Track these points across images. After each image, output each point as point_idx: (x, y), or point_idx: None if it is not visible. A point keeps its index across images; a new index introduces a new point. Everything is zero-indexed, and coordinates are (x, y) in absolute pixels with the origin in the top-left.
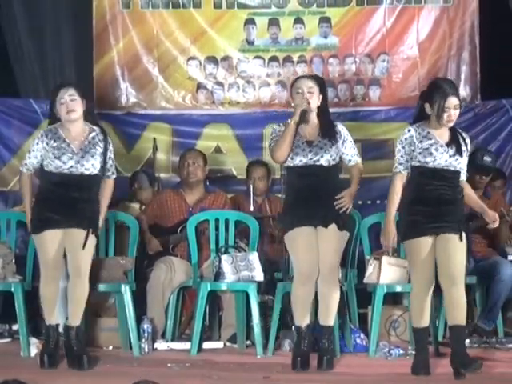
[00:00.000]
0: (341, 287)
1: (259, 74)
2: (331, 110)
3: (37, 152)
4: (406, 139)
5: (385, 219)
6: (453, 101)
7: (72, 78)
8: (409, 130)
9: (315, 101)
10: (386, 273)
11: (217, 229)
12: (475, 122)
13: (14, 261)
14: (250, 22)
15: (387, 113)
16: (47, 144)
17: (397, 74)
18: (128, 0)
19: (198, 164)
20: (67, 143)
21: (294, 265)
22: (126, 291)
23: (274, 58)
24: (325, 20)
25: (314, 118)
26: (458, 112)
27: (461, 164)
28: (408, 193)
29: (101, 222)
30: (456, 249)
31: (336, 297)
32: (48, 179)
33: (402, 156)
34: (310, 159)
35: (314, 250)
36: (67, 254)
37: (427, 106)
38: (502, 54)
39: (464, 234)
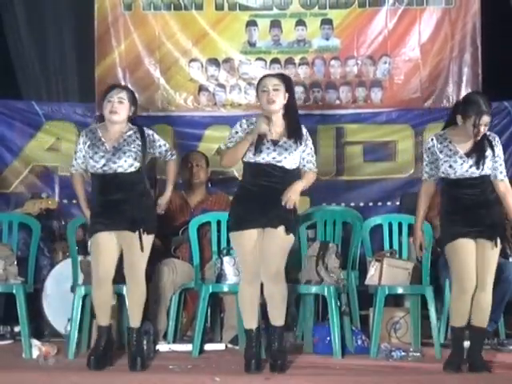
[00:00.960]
0: (342, 288)
1: (261, 75)
2: (333, 111)
3: (79, 152)
4: (428, 148)
5: (414, 224)
6: (486, 119)
7: (74, 80)
8: (431, 140)
9: (281, 99)
10: (387, 274)
11: (219, 230)
12: None
13: (15, 262)
14: (251, 23)
15: (389, 115)
16: (85, 143)
17: (398, 75)
18: (130, 2)
19: (201, 166)
20: (102, 142)
21: (241, 264)
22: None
23: (275, 60)
24: (326, 22)
25: (280, 117)
26: (487, 128)
27: (485, 170)
28: (443, 204)
29: (165, 199)
30: (490, 256)
31: (285, 295)
32: (93, 186)
33: (426, 165)
34: (273, 158)
35: (259, 251)
36: (124, 257)
37: (459, 118)
38: (504, 56)
39: (499, 239)
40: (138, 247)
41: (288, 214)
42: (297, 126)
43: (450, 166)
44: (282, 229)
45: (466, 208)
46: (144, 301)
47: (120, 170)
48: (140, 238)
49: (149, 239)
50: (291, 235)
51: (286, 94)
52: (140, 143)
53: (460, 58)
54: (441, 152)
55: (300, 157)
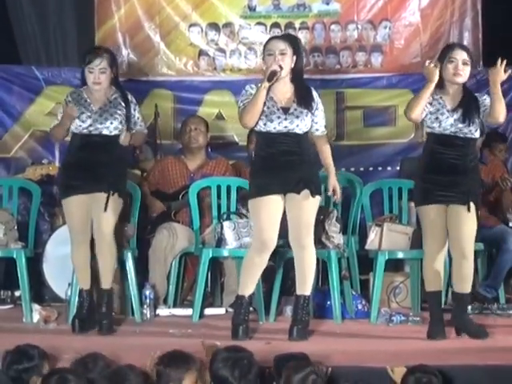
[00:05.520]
0: (342, 253)
1: (261, 40)
2: (333, 76)
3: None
4: None
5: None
6: (460, 53)
7: (74, 45)
8: None
9: (288, 63)
10: (387, 239)
11: (219, 195)
12: (477, 88)
13: (16, 227)
14: None
15: (389, 79)
16: (70, 103)
17: (399, 40)
18: None
19: (200, 130)
20: (88, 103)
21: (255, 232)
22: (128, 257)
23: (275, 25)
24: None
25: (287, 82)
26: (466, 68)
27: (472, 130)
28: (423, 160)
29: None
30: (465, 221)
31: (314, 264)
32: (73, 143)
33: None
34: (285, 127)
35: (278, 219)
36: (92, 219)
37: (439, 66)
38: (505, 21)
39: (473, 205)
40: (109, 207)
41: (311, 175)
42: (306, 90)
43: (436, 119)
44: (306, 193)
45: (444, 170)
46: (113, 262)
47: (105, 131)
48: (107, 199)
49: (119, 202)
50: (317, 196)
51: (294, 57)
52: (123, 107)
53: (460, 22)
54: (431, 104)
55: (312, 121)
